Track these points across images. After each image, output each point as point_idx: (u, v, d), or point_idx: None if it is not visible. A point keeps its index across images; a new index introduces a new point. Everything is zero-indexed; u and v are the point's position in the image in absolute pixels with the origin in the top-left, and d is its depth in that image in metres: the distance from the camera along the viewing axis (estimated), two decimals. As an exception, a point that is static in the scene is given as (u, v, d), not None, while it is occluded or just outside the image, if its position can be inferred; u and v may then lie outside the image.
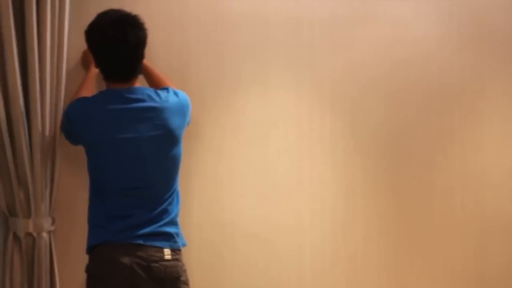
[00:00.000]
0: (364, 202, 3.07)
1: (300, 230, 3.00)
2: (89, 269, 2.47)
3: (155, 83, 2.71)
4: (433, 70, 3.16)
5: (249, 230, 2.94)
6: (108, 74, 2.53)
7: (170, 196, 2.52)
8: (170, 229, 2.49)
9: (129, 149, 2.46)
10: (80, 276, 2.69)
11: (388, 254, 3.09)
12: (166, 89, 2.60)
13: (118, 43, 2.44)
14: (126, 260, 2.39)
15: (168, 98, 2.54)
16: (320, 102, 3.03)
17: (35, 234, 2.60)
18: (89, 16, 2.60)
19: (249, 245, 2.94)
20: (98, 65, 2.54)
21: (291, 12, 2.99)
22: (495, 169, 3.24)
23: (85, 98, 2.55)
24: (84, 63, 2.76)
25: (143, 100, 2.49)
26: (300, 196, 3.00)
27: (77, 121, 2.51)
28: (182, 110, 2.58)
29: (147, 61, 2.61)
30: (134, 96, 2.48)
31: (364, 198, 3.07)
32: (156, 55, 2.64)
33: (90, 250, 2.48)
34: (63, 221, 2.72)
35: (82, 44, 2.71)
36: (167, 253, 2.44)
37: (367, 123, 3.09)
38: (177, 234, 2.51)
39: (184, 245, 2.54)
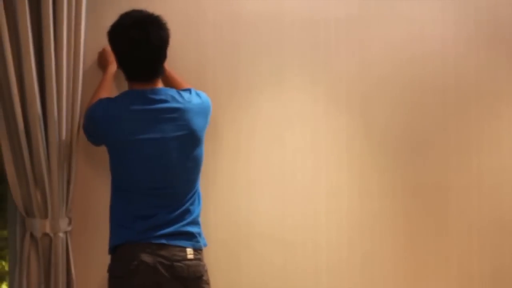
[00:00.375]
0: (380, 202, 3.06)
1: (316, 230, 2.99)
2: (111, 269, 2.47)
3: (173, 85, 2.71)
4: (450, 70, 3.15)
5: (265, 230, 2.93)
6: (131, 74, 2.53)
7: (192, 196, 2.53)
8: (192, 229, 2.49)
9: (152, 150, 2.46)
10: (97, 276, 2.71)
11: (404, 254, 3.08)
12: (188, 90, 2.60)
13: (141, 44, 2.45)
14: (149, 259, 2.40)
15: (191, 99, 2.55)
16: (335, 102, 3.02)
17: (51, 235, 2.61)
18: (106, 16, 2.60)
19: (265, 245, 2.93)
20: (120, 65, 2.55)
21: (306, 12, 2.99)
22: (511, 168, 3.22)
23: (108, 99, 2.56)
24: (101, 64, 2.76)
25: (166, 101, 2.50)
26: (316, 196, 2.99)
27: (101, 122, 2.51)
28: (204, 111, 2.59)
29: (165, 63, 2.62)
30: (157, 97, 2.50)
31: (380, 198, 3.06)
32: (172, 56, 2.63)
33: (113, 250, 2.48)
34: (79, 221, 2.72)
35: (98, 45, 2.72)
36: (190, 253, 2.45)
37: (382, 123, 3.08)
38: (199, 234, 2.52)
39: (205, 245, 2.54)
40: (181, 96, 2.54)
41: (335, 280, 3.00)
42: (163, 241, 2.43)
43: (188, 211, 2.50)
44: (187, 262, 2.43)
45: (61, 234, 2.62)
